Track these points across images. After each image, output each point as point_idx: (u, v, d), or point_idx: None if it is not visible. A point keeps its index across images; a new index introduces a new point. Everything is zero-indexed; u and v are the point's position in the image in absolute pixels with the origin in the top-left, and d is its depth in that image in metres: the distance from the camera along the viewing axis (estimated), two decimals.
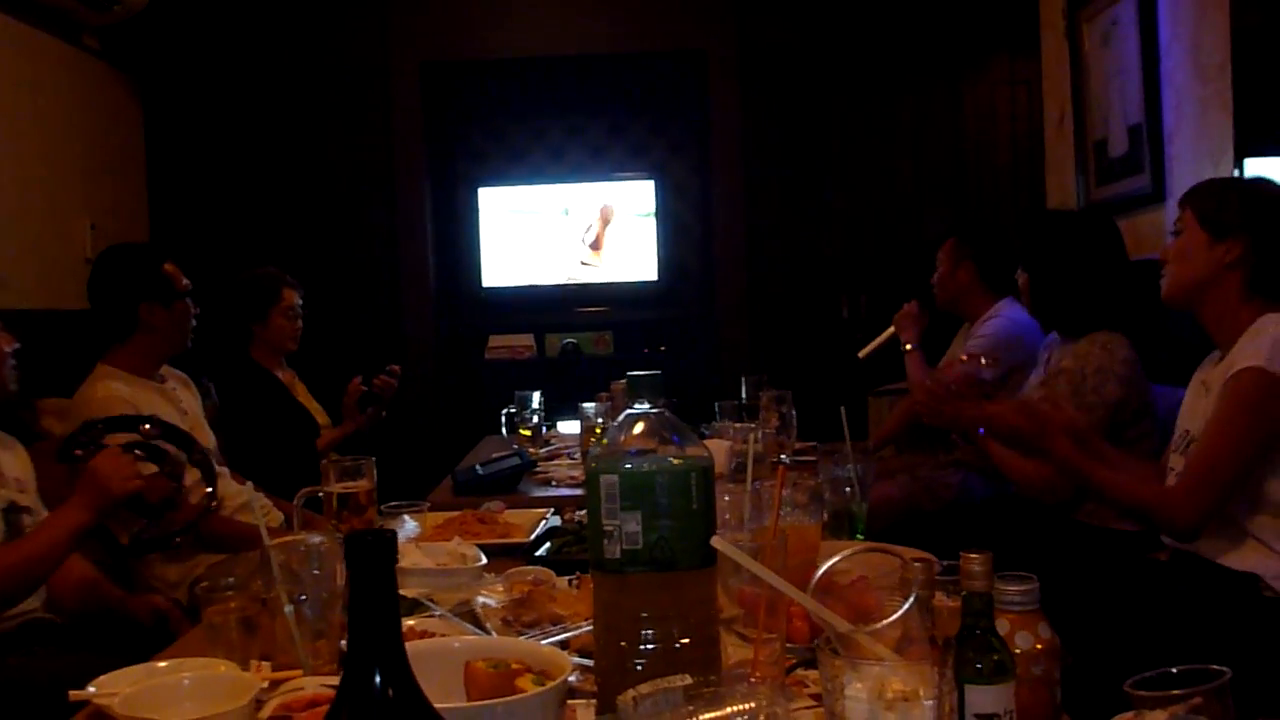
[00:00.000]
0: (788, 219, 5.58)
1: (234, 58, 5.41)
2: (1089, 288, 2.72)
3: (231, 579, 1.46)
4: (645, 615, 1.11)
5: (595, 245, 5.88)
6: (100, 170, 4.91)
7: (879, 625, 1.00)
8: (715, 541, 1.08)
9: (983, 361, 2.84)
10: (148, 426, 2.39)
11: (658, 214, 5.83)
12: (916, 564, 1.08)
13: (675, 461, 1.13)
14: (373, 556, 0.75)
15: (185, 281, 2.90)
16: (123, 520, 2.45)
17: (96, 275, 2.89)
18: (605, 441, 1.18)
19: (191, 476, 2.48)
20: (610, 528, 1.12)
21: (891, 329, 3.81)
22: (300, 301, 3.79)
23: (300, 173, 5.46)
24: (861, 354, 3.90)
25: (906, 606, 1.01)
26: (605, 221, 5.87)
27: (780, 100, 5.55)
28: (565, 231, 5.87)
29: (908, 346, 3.75)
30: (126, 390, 2.72)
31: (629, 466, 1.13)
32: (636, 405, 1.17)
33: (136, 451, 2.30)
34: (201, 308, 2.99)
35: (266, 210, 5.43)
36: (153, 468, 2.35)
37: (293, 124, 5.45)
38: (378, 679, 0.74)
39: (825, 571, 1.17)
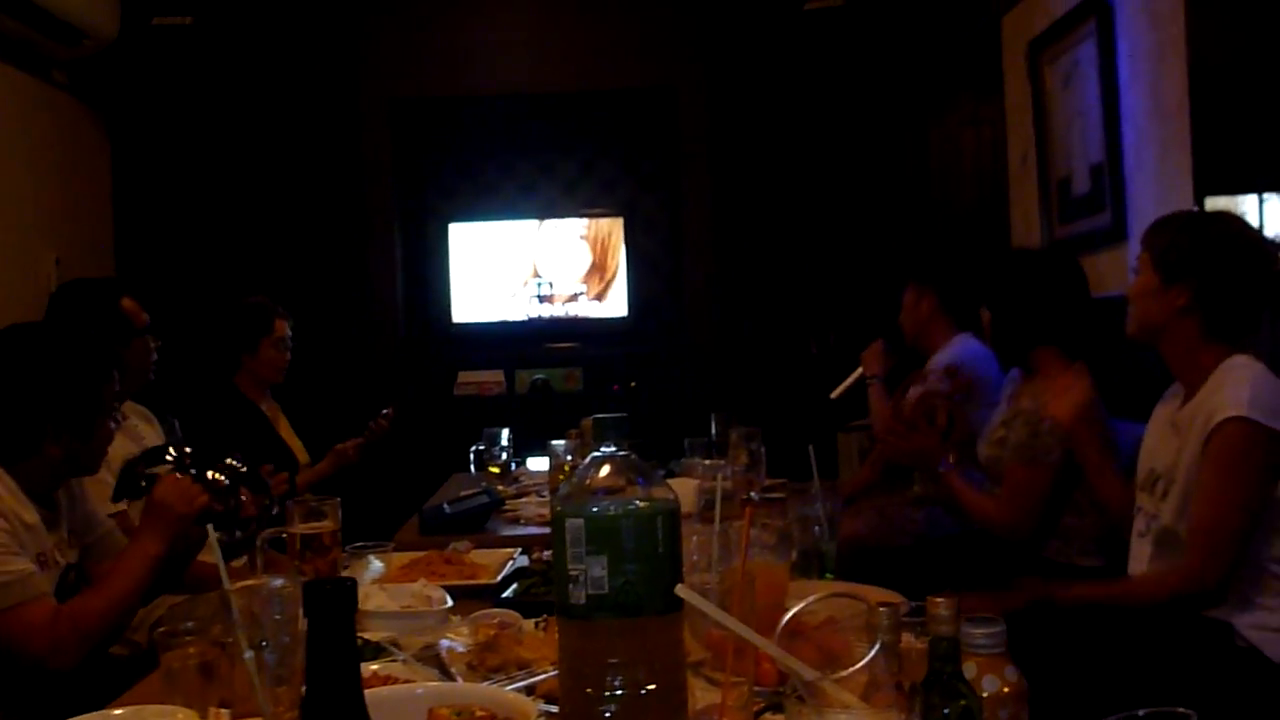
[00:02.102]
0: (756, 256, 5.61)
1: (203, 93, 5.39)
2: (1050, 324, 2.73)
3: (190, 624, 1.43)
4: (612, 661, 1.10)
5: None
6: (67, 204, 4.88)
7: (845, 673, 0.99)
8: (680, 590, 1.07)
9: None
10: (176, 452, 2.37)
11: (627, 250, 5.85)
12: (882, 609, 1.08)
13: (641, 504, 1.12)
14: (332, 605, 0.75)
15: (144, 317, 2.87)
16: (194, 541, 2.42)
17: (51, 313, 2.85)
18: (572, 483, 1.17)
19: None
20: (576, 572, 1.10)
21: (860, 369, 3.83)
22: (290, 333, 3.78)
23: (269, 209, 5.44)
24: (833, 395, 3.92)
25: (872, 654, 1.01)
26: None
27: (749, 137, 5.59)
28: (537, 267, 5.87)
29: (870, 379, 3.78)
30: None
31: (595, 510, 1.12)
32: (603, 448, 1.16)
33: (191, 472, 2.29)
34: (185, 339, 2.96)
35: (234, 246, 5.40)
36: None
37: (262, 160, 5.44)
38: None
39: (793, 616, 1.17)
